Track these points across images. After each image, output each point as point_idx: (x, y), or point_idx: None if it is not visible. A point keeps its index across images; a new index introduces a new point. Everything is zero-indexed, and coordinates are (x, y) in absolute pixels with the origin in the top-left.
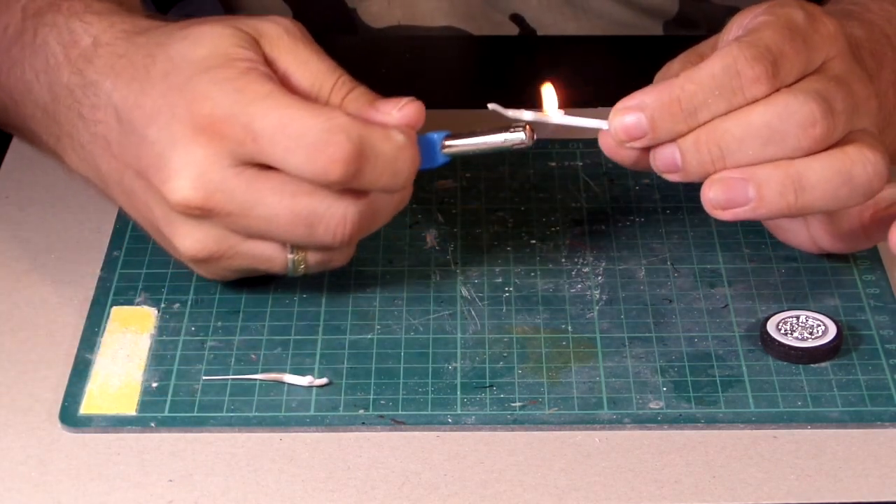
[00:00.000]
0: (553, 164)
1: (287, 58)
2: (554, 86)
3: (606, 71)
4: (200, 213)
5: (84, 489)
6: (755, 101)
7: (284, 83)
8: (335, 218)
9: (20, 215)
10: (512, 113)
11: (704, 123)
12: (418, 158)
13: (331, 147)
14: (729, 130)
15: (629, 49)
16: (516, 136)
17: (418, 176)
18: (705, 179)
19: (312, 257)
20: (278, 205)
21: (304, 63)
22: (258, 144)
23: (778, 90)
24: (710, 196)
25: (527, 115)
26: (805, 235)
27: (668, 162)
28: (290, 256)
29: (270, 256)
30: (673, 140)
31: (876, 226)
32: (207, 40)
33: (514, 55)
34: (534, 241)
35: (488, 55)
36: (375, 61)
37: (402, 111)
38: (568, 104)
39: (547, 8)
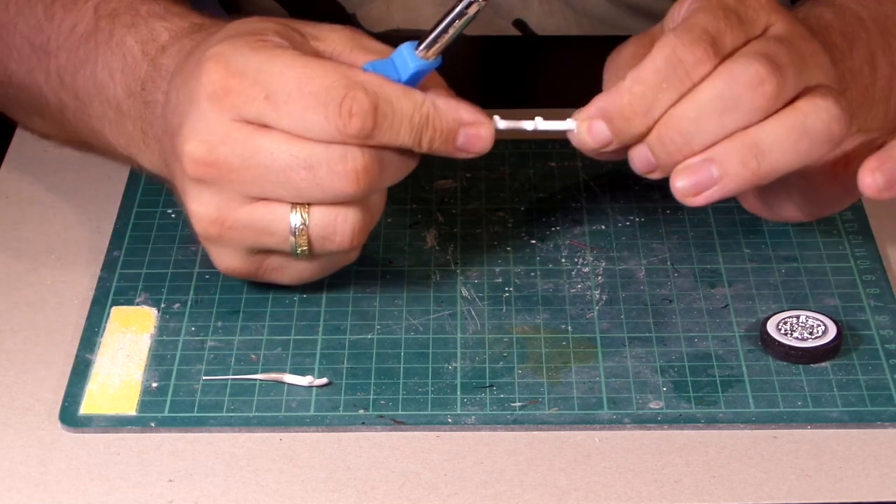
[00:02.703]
0: (553, 164)
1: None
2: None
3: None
4: (207, 172)
5: (84, 489)
6: (702, 81)
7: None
8: (335, 158)
9: (20, 215)
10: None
11: (662, 117)
12: (442, 120)
13: (349, 101)
14: (685, 115)
15: None
16: (466, 1)
17: (418, 176)
18: None
19: (316, 219)
20: (277, 150)
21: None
22: (272, 103)
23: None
24: (679, 185)
25: (501, 124)
26: (790, 206)
27: (644, 162)
28: (292, 217)
29: (272, 221)
30: (640, 140)
31: (851, 177)
32: (245, 22)
33: (514, 55)
34: (534, 241)
35: (488, 55)
36: None
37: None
38: (568, 104)
39: (550, 13)
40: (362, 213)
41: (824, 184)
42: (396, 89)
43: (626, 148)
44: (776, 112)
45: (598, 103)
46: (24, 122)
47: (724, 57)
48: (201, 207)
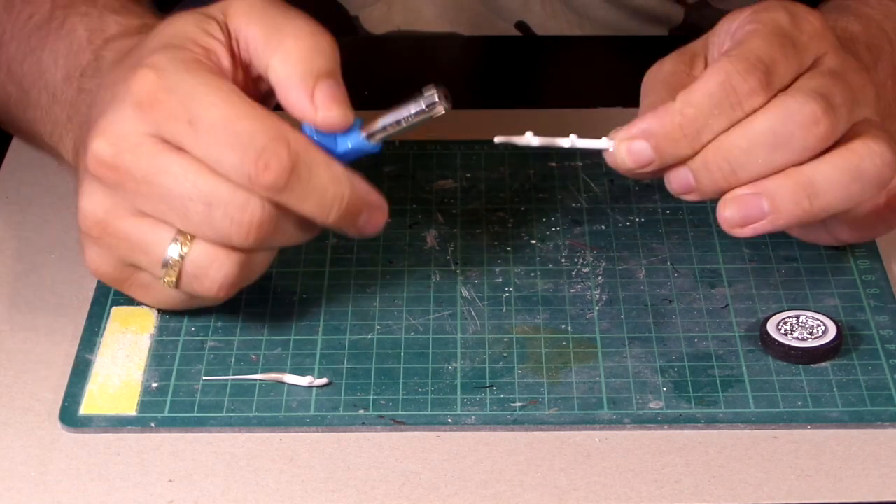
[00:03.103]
0: (553, 164)
1: (250, 24)
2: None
3: (607, 71)
4: (107, 174)
5: (84, 489)
6: (754, 112)
7: (244, 50)
8: (236, 204)
9: (20, 215)
10: (521, 141)
11: (709, 142)
12: (353, 199)
13: (270, 154)
14: (735, 144)
15: (629, 49)
16: (429, 99)
17: (418, 176)
18: (721, 196)
19: (193, 256)
20: (182, 177)
21: (265, 24)
22: (194, 128)
23: (776, 96)
24: (727, 215)
25: (535, 140)
26: (823, 231)
27: (683, 184)
28: (171, 246)
29: (150, 243)
30: (681, 163)
31: (890, 209)
32: (176, 21)
33: (514, 56)
34: (534, 241)
35: (488, 56)
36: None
37: (324, 112)
38: (568, 104)
39: (551, 16)
40: (240, 266)
41: (862, 216)
42: (320, 158)
43: (661, 169)
44: (828, 150)
45: (642, 124)
46: None
47: (775, 88)
48: (90, 205)
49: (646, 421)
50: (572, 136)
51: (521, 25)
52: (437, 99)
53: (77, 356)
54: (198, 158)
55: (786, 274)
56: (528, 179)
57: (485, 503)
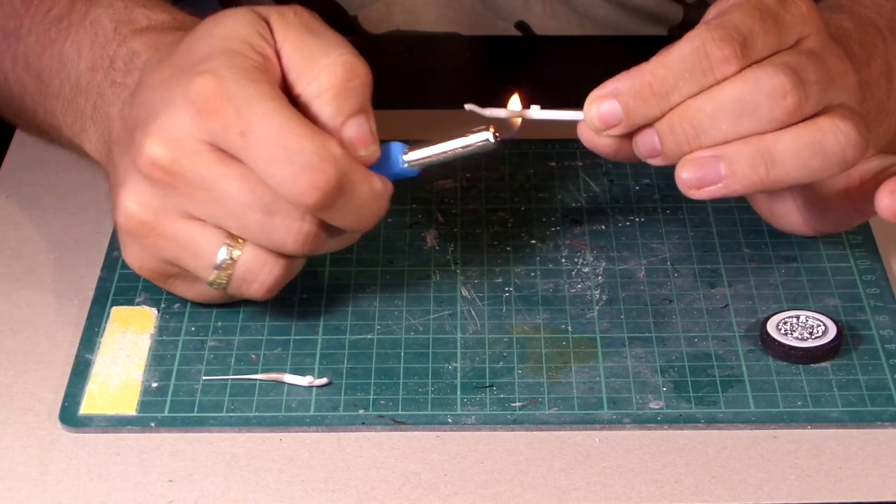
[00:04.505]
0: (553, 164)
1: (286, 41)
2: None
3: (607, 71)
4: (161, 177)
5: (84, 489)
6: (725, 80)
7: (281, 60)
8: (294, 215)
9: (20, 215)
10: (489, 112)
11: (678, 105)
12: (386, 209)
13: (317, 172)
14: (701, 108)
15: (629, 49)
16: (479, 137)
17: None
18: None
19: (245, 260)
20: (241, 186)
21: (301, 48)
22: (245, 140)
23: (749, 67)
24: (683, 176)
25: (503, 112)
26: (798, 218)
27: (649, 147)
28: (222, 249)
29: (202, 246)
30: (649, 125)
31: (863, 198)
32: (228, 20)
33: (514, 55)
34: (534, 241)
35: (488, 55)
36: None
37: (350, 130)
38: (569, 105)
39: (552, 15)
40: (287, 270)
41: (835, 201)
42: (363, 175)
43: (630, 133)
44: (794, 125)
45: (612, 84)
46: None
47: (751, 59)
48: (137, 206)
49: (646, 421)
50: (535, 108)
51: (521, 25)
52: (488, 137)
53: (77, 356)
54: (254, 169)
55: (786, 274)
56: (528, 179)
57: (485, 503)
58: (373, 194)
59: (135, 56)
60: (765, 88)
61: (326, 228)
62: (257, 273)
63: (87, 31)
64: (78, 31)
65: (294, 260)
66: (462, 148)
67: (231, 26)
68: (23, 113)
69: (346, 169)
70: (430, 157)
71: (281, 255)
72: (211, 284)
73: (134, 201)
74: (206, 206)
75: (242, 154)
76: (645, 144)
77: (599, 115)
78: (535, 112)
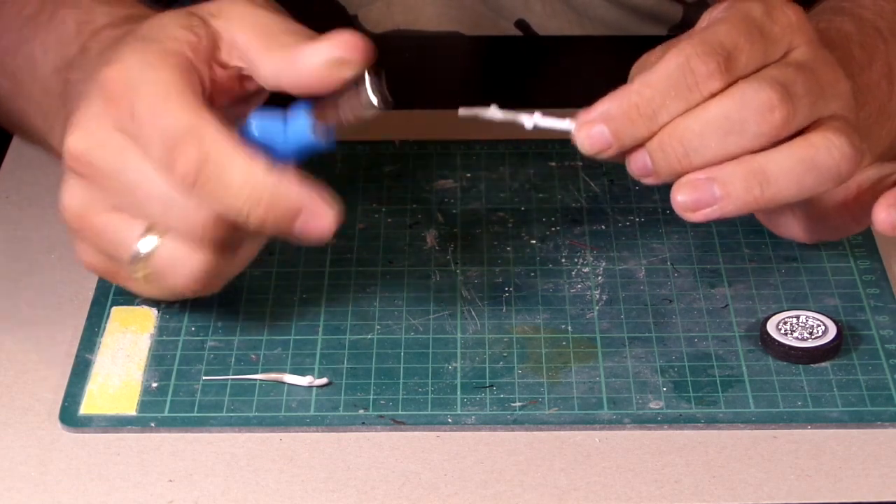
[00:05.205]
0: (553, 164)
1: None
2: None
3: (607, 71)
4: (81, 169)
5: (84, 489)
6: (712, 96)
7: (230, 50)
8: (188, 204)
9: (20, 215)
10: (485, 113)
11: (666, 124)
12: (278, 202)
13: (179, 150)
14: (689, 127)
15: (629, 49)
16: (365, 97)
17: (418, 176)
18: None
19: (163, 251)
20: (140, 174)
21: (253, 22)
22: (135, 123)
23: (736, 82)
24: (679, 199)
25: (498, 114)
26: (797, 227)
27: (641, 167)
28: (142, 240)
29: (121, 237)
30: (640, 145)
31: (861, 208)
32: (161, 17)
33: (514, 55)
34: (534, 241)
35: (489, 55)
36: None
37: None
38: (570, 105)
39: (552, 15)
40: (209, 262)
41: (833, 211)
42: (238, 157)
43: (622, 153)
44: (786, 140)
45: (600, 107)
46: None
47: (736, 74)
48: (69, 199)
49: (646, 421)
50: (536, 114)
51: (521, 24)
52: (371, 95)
53: (77, 356)
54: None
55: (786, 274)
56: (528, 179)
57: (485, 503)
58: (247, 177)
59: (88, 53)
60: (751, 104)
61: (220, 223)
62: (176, 265)
63: (52, 33)
64: (45, 32)
65: (219, 251)
66: (352, 113)
67: (160, 19)
68: (3, 115)
69: (210, 149)
70: (333, 126)
71: (201, 244)
72: (136, 277)
73: (67, 197)
74: (120, 196)
75: (136, 139)
76: (637, 164)
77: (589, 141)
78: (528, 122)
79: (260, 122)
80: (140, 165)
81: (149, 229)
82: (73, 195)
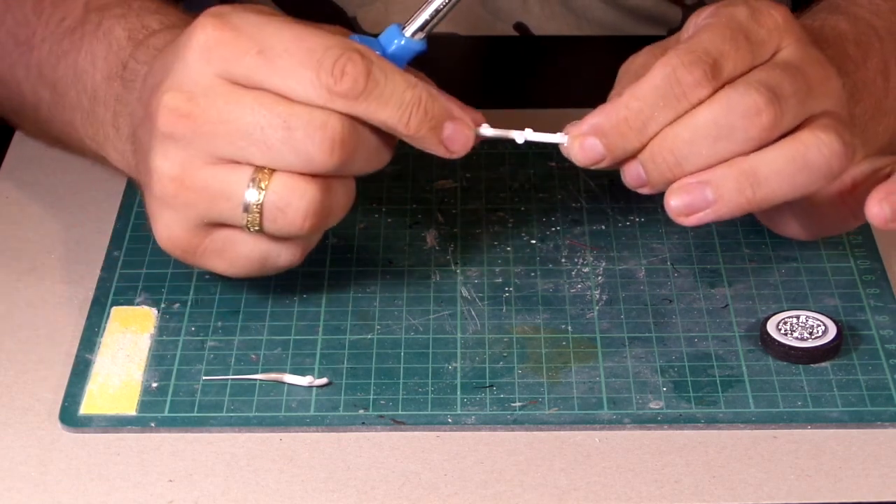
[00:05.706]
0: (553, 164)
1: None
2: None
3: (605, 71)
4: (181, 126)
5: (84, 489)
6: (700, 104)
7: None
8: (316, 123)
9: (20, 215)
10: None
11: (657, 135)
12: (433, 106)
13: (344, 60)
14: (679, 136)
15: (628, 50)
16: None
17: (418, 176)
18: None
19: (275, 188)
20: (259, 106)
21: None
22: (265, 57)
23: (722, 88)
24: (672, 204)
25: (489, 132)
26: (796, 225)
27: (635, 178)
28: (252, 183)
29: (231, 184)
30: (633, 157)
31: (857, 202)
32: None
33: (512, 56)
34: (534, 241)
35: (487, 56)
36: None
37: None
38: (568, 105)
39: (550, 17)
40: (322, 194)
41: (830, 207)
42: (391, 64)
43: (615, 164)
44: (776, 141)
45: (591, 120)
46: (9, 121)
47: (722, 80)
48: (165, 163)
49: (646, 421)
50: (527, 130)
51: (519, 27)
52: None
53: (77, 356)
54: (270, 89)
55: (786, 274)
56: (528, 179)
57: (485, 503)
58: (407, 82)
59: (150, 48)
60: (738, 109)
61: (360, 134)
62: (289, 199)
63: (100, 42)
64: (92, 42)
65: (330, 184)
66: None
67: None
68: (38, 123)
69: (372, 57)
70: (426, 22)
71: (312, 177)
72: (247, 227)
73: (162, 161)
74: (228, 141)
75: (263, 74)
76: (632, 175)
77: (583, 153)
78: (519, 137)
79: (359, 38)
80: (255, 101)
81: (258, 171)
82: (169, 157)
